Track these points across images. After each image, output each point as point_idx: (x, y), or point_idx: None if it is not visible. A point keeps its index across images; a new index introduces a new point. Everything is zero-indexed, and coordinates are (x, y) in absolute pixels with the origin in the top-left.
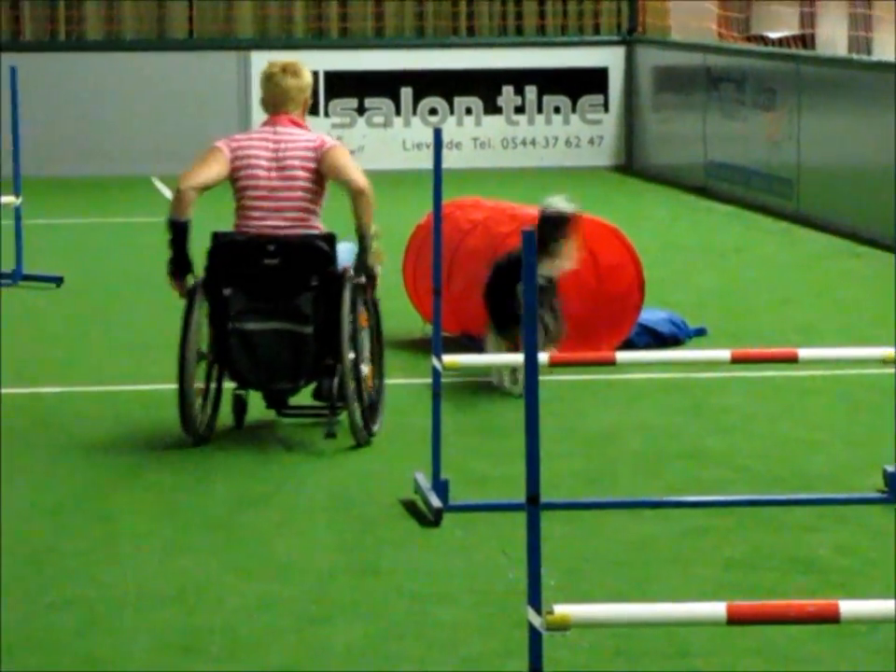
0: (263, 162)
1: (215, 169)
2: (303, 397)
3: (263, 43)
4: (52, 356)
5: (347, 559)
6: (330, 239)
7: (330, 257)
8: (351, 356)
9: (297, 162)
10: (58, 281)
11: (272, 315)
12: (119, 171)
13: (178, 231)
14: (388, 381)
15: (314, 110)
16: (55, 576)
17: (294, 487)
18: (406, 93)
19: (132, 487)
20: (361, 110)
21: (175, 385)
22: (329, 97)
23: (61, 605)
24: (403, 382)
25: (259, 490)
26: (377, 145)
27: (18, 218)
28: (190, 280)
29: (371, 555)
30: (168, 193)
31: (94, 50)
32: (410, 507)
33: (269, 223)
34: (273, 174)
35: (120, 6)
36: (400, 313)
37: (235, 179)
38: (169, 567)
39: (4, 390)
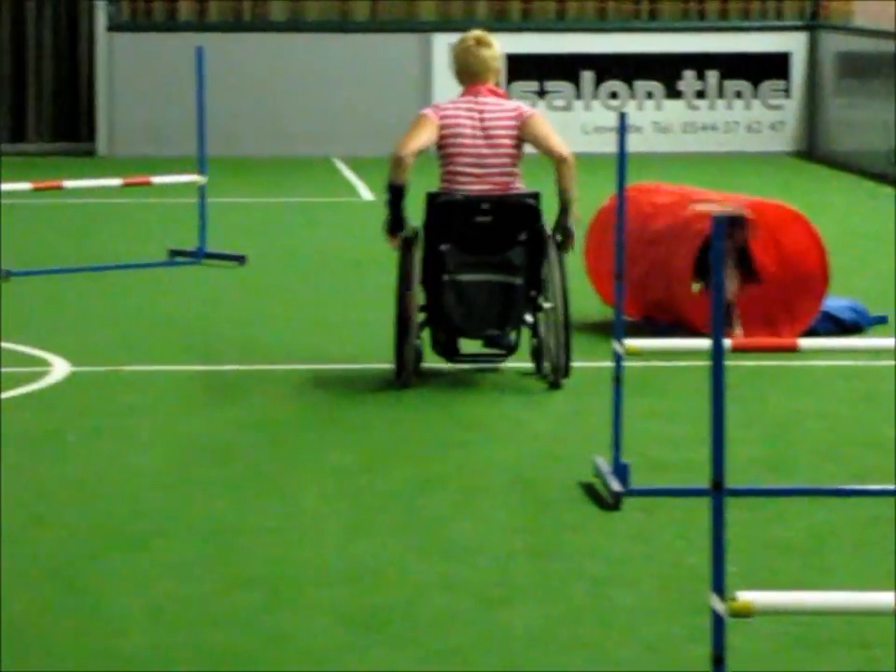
0: (469, 130)
1: (425, 136)
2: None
3: (445, 25)
4: (234, 333)
5: (527, 541)
6: (537, 197)
7: (539, 213)
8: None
9: (501, 131)
10: (240, 259)
11: (485, 267)
12: (301, 151)
13: (396, 193)
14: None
15: None
16: (238, 553)
17: (473, 469)
18: (587, 77)
19: (312, 467)
20: (542, 93)
21: (357, 365)
22: (510, 79)
23: (245, 582)
24: (583, 364)
25: (439, 471)
26: (557, 128)
27: (202, 197)
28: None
29: (550, 538)
30: (348, 174)
31: (278, 31)
32: (590, 490)
33: (477, 187)
34: (480, 141)
35: None
36: (580, 295)
37: (443, 146)
38: (350, 547)
39: (187, 367)
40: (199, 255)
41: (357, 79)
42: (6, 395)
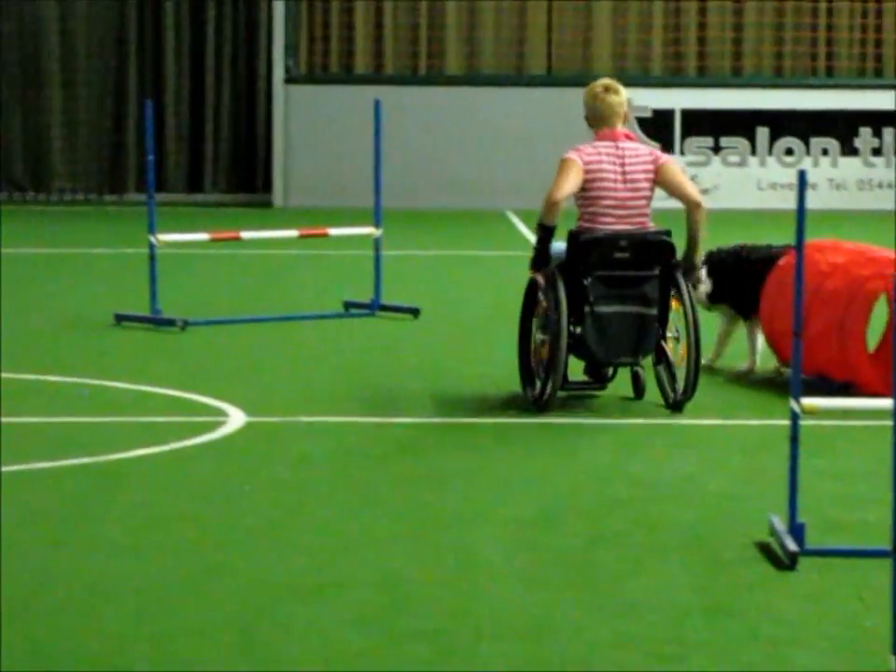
0: (611, 175)
1: (575, 180)
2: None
3: (621, 80)
4: (409, 385)
5: (701, 600)
6: (670, 234)
7: (674, 249)
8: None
9: (640, 175)
10: (415, 312)
11: (624, 299)
12: (476, 204)
13: (548, 233)
14: (742, 421)
15: (669, 147)
16: (414, 606)
17: (648, 526)
18: (762, 133)
19: (488, 520)
20: (717, 149)
21: (531, 419)
22: (684, 135)
23: (419, 634)
24: (757, 423)
25: (613, 527)
26: (732, 184)
27: (377, 249)
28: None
29: (725, 596)
30: (522, 227)
31: (453, 84)
32: (765, 549)
33: (618, 227)
34: (620, 185)
35: (480, 41)
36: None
37: (586, 189)
38: (524, 601)
39: (362, 418)
40: (373, 307)
41: (531, 133)
42: (182, 444)
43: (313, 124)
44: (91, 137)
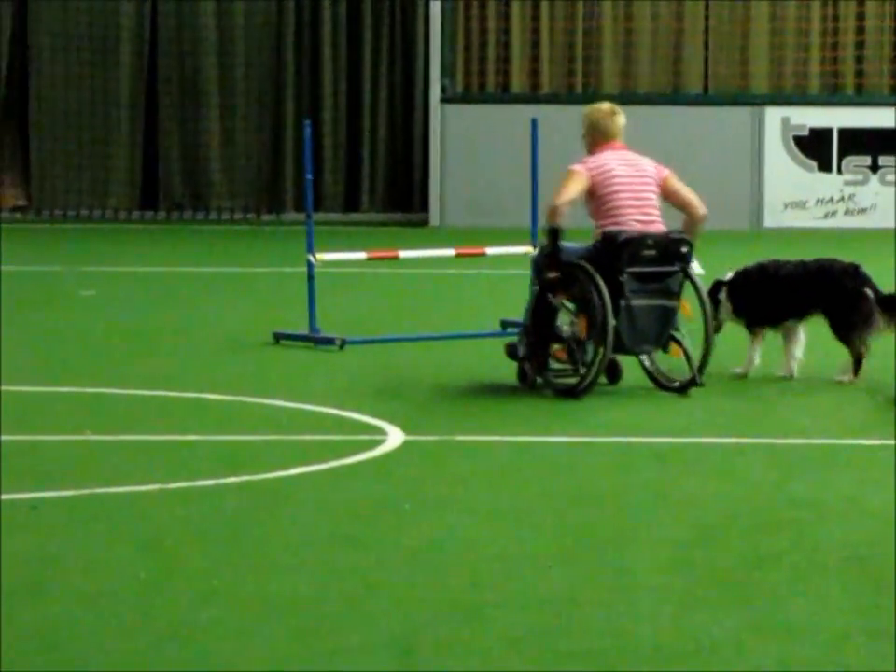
0: (624, 172)
1: (577, 187)
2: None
3: (778, 99)
4: (564, 404)
5: (864, 622)
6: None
7: (692, 247)
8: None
9: (649, 178)
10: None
11: (651, 294)
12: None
13: (556, 236)
14: (867, 441)
15: (826, 166)
16: (574, 626)
17: (808, 546)
18: None
19: (646, 540)
20: (875, 168)
21: (682, 438)
22: (842, 154)
23: (579, 654)
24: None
25: (772, 548)
26: (890, 203)
27: None
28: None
29: (887, 619)
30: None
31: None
32: None
33: (636, 217)
34: (637, 181)
35: (637, 60)
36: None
37: (601, 190)
38: (684, 622)
39: (519, 437)
40: None
41: (688, 152)
42: (341, 462)
43: (469, 143)
44: (249, 157)
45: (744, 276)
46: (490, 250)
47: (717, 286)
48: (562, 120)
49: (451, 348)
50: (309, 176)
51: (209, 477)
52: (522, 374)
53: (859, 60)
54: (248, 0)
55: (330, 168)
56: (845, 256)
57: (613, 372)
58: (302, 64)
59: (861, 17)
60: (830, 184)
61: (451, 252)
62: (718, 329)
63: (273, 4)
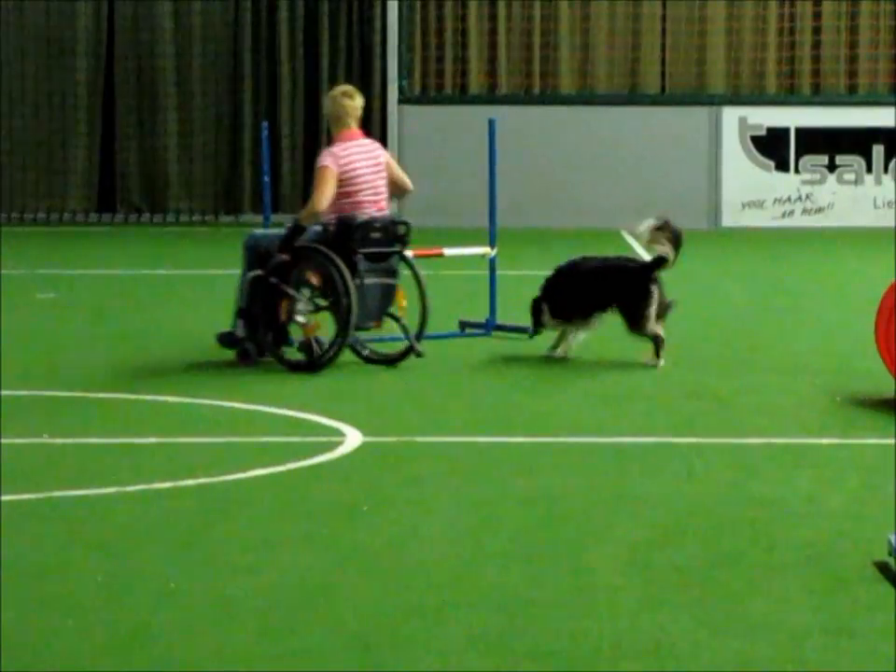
0: (364, 166)
1: (333, 187)
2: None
3: (735, 99)
4: (523, 405)
5: (822, 620)
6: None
7: (410, 230)
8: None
9: (382, 167)
10: (529, 332)
11: (377, 272)
12: (590, 223)
13: (300, 232)
14: (861, 440)
15: (784, 166)
16: (532, 626)
17: (766, 545)
18: (878, 151)
19: (604, 540)
20: (832, 167)
21: (641, 438)
22: (799, 153)
23: (539, 655)
24: (875, 442)
25: (731, 547)
26: (847, 202)
27: (492, 269)
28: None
29: (845, 616)
30: (636, 246)
31: (567, 104)
32: (883, 569)
33: (371, 210)
34: (372, 175)
35: (594, 61)
36: (872, 372)
37: (345, 182)
38: (643, 622)
39: (477, 438)
40: (489, 327)
41: (645, 152)
42: (299, 464)
43: (427, 144)
44: (207, 159)
45: (558, 273)
46: (447, 251)
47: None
48: (519, 121)
49: None
50: (266, 178)
51: (166, 479)
52: (244, 354)
53: (815, 59)
54: (205, 1)
55: (288, 170)
56: (802, 255)
57: (311, 350)
58: (260, 66)
59: (817, 16)
60: (787, 183)
61: (408, 253)
62: (540, 331)
63: (231, 5)
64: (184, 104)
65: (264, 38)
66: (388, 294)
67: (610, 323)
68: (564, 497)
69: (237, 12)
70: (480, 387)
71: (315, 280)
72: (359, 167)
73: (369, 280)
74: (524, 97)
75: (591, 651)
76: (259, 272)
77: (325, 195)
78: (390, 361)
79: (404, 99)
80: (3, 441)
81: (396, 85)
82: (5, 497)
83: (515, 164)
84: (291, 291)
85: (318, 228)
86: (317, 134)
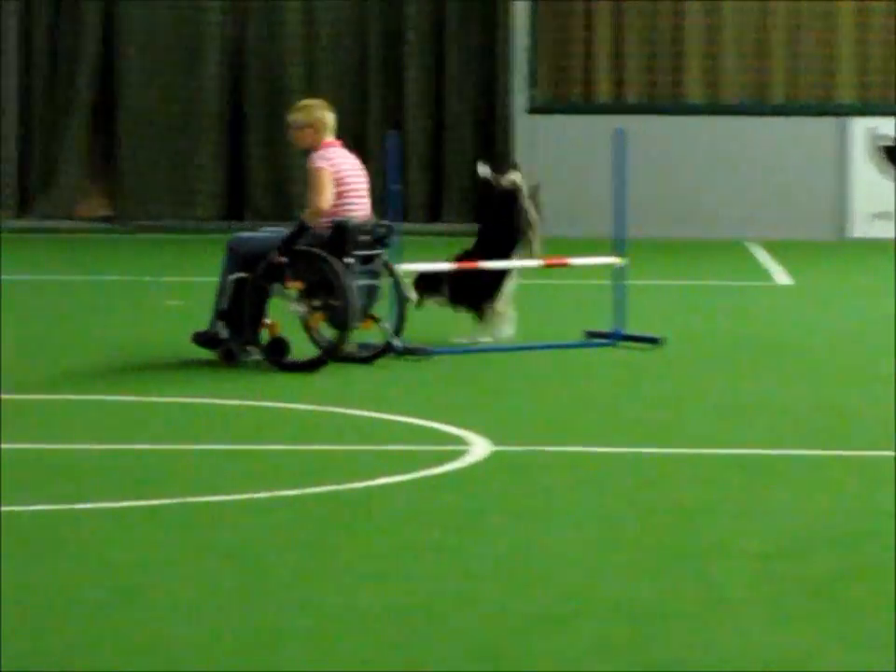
0: (352, 171)
1: (332, 188)
2: None
3: (865, 109)
4: (649, 415)
5: None
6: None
7: (391, 231)
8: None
9: (358, 164)
10: (656, 342)
11: (365, 273)
12: (717, 233)
13: (304, 232)
14: None
15: None
16: (660, 638)
17: (894, 558)
18: None
19: (732, 553)
20: None
21: (768, 451)
22: None
23: (661, 666)
24: None
25: (858, 560)
26: None
27: (619, 279)
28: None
29: None
30: (763, 257)
31: (695, 114)
32: None
33: (359, 207)
34: (359, 180)
35: (722, 70)
36: None
37: (338, 186)
38: (772, 636)
39: (601, 449)
40: (615, 336)
41: (772, 162)
42: (427, 473)
43: (554, 153)
44: None
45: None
46: (574, 261)
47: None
48: (647, 131)
49: (535, 359)
50: (395, 186)
51: (294, 487)
52: (228, 354)
53: None
54: (334, 11)
55: (415, 179)
56: None
57: (281, 351)
58: (387, 75)
59: None
60: None
61: (536, 263)
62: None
63: (359, 14)
64: None
65: (391, 48)
66: (373, 295)
67: (735, 335)
68: (690, 509)
69: (365, 22)
70: (606, 398)
71: (299, 285)
72: (346, 171)
73: (359, 282)
74: (651, 106)
75: (718, 663)
76: (242, 274)
77: (327, 194)
78: (365, 360)
79: (531, 108)
80: (137, 446)
81: (522, 94)
82: (135, 503)
83: (642, 174)
84: (284, 292)
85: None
86: (443, 143)
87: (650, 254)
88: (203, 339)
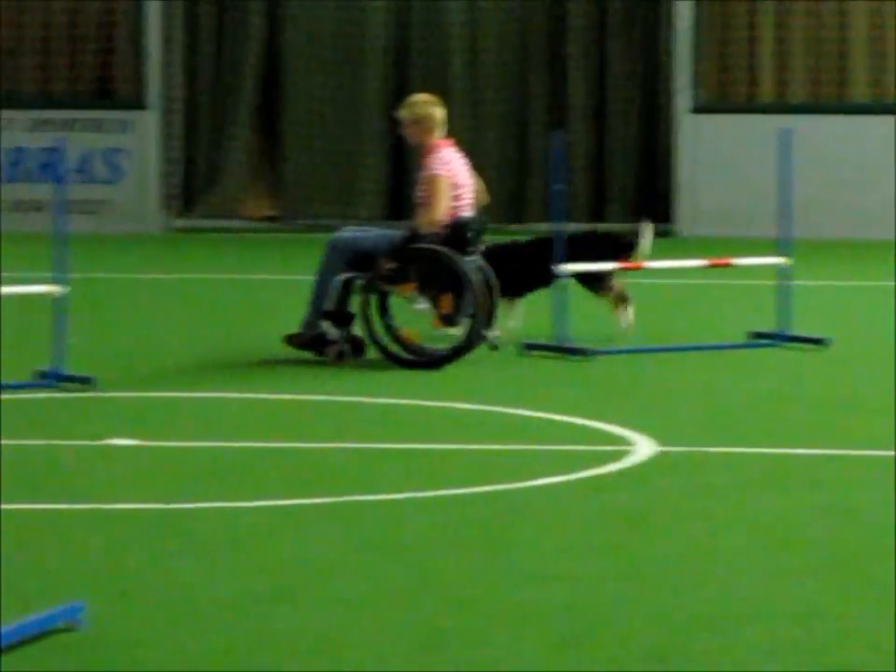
0: (463, 171)
1: (449, 193)
2: None
3: None
4: (814, 418)
5: None
6: None
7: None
8: None
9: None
10: (822, 342)
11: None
12: (882, 234)
13: (415, 240)
14: None
15: None
16: (831, 641)
17: None
18: None
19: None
20: None
21: None
22: None
23: (838, 669)
24: None
25: None
26: None
27: (784, 279)
28: None
29: None
30: None
31: (860, 113)
32: None
33: (469, 210)
34: (468, 178)
35: (888, 69)
36: None
37: (452, 188)
38: None
39: (765, 450)
40: (780, 337)
41: None
42: (591, 473)
43: (718, 153)
44: (495, 168)
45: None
46: (737, 261)
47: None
48: (811, 131)
49: (698, 359)
50: (558, 187)
51: (459, 486)
52: (339, 355)
53: None
54: (498, 11)
55: (577, 179)
56: None
57: (360, 348)
58: (549, 74)
59: None
60: None
61: (699, 263)
62: None
63: (521, 14)
64: (473, 111)
65: (553, 48)
66: (493, 291)
67: None
68: (860, 511)
69: (527, 21)
70: (771, 398)
71: (412, 287)
72: (460, 172)
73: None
74: (815, 105)
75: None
76: (350, 274)
77: (444, 204)
78: (450, 357)
79: (693, 108)
80: (299, 445)
81: (684, 94)
82: (303, 501)
83: (806, 173)
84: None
85: (399, 233)
86: (604, 143)
87: (813, 254)
88: (304, 340)
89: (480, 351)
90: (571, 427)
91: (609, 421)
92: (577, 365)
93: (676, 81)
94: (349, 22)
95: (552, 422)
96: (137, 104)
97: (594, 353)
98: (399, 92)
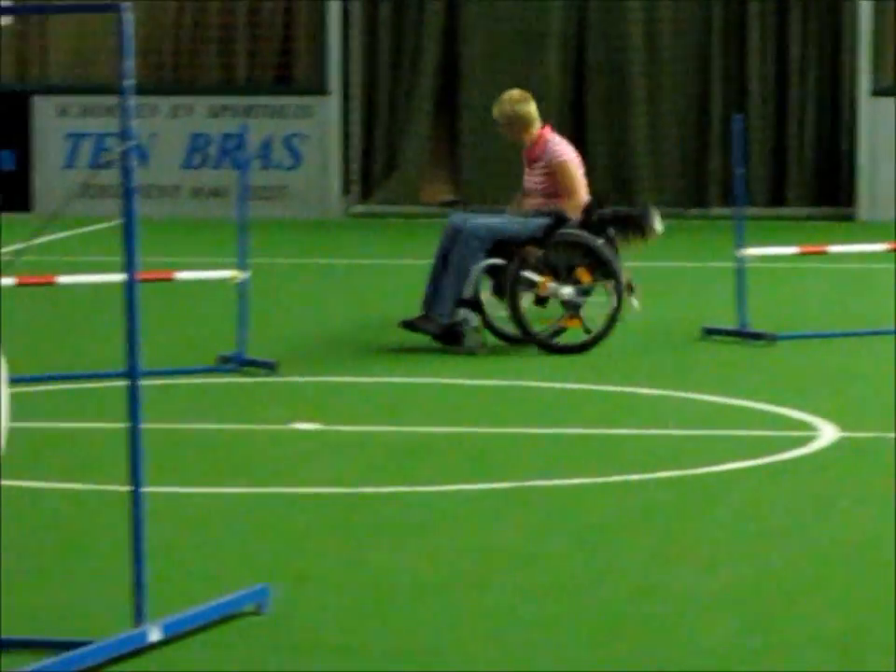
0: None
1: (582, 173)
2: None
3: None
4: None
5: None
6: None
7: None
8: None
9: None
10: None
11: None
12: None
13: (563, 224)
14: None
15: None
16: None
17: None
18: None
19: None
20: None
21: None
22: None
23: None
24: None
25: None
26: None
27: None
28: None
29: None
30: None
31: None
32: None
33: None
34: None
35: None
36: None
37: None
38: None
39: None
40: None
41: None
42: (775, 458)
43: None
44: (676, 153)
45: None
46: None
47: None
48: None
49: (883, 344)
50: (740, 170)
51: (640, 471)
52: (481, 344)
53: None
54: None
55: (756, 162)
56: None
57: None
58: (729, 59)
59: None
60: None
61: (881, 247)
62: None
63: (700, 1)
64: (653, 97)
65: (734, 32)
66: None
67: None
68: None
69: (708, 8)
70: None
71: (550, 275)
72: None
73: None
74: None
75: None
76: (495, 261)
77: (583, 185)
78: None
79: (876, 91)
80: (479, 430)
81: (866, 77)
82: (485, 486)
83: None
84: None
85: (542, 220)
86: (786, 126)
87: None
88: (437, 328)
89: (659, 336)
90: (754, 412)
91: (792, 406)
92: (758, 350)
93: (856, 64)
94: (527, 8)
95: (734, 407)
96: (318, 89)
97: (774, 338)
98: (578, 79)
